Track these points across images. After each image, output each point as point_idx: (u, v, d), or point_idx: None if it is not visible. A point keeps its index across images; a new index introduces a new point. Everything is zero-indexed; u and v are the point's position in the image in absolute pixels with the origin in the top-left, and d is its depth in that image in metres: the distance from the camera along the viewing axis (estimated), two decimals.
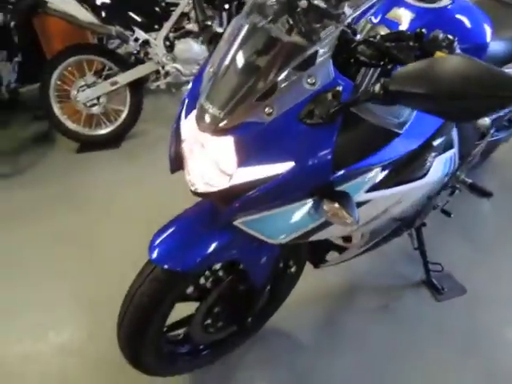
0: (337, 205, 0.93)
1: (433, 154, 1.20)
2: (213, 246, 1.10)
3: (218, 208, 1.06)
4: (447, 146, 1.36)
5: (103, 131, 3.01)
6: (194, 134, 0.98)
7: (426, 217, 1.63)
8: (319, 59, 0.87)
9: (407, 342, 1.58)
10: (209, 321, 1.33)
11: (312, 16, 0.90)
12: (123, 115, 2.96)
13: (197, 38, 2.85)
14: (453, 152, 1.39)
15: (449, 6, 1.18)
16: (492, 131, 1.73)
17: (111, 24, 2.74)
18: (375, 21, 1.20)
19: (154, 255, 1.09)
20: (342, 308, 1.73)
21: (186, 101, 1.07)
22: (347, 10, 1.07)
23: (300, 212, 0.99)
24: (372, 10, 1.23)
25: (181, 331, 1.40)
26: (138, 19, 2.76)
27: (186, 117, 1.04)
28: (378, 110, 0.96)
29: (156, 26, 2.79)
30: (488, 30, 1.21)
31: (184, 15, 2.83)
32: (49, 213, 2.36)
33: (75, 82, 2.86)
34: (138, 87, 2.90)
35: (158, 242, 1.12)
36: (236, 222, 1.01)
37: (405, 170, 1.13)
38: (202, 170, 0.99)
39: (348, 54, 0.98)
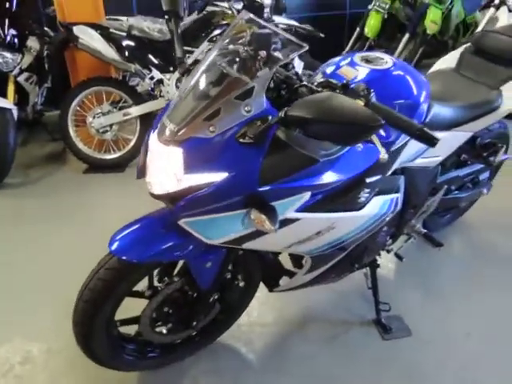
0: (262, 215, 1.10)
1: (366, 190, 1.36)
2: (166, 244, 1.27)
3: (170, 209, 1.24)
4: (390, 190, 1.53)
5: (111, 156, 3.27)
6: (155, 145, 1.19)
7: (375, 256, 1.76)
8: (255, 93, 1.08)
9: (348, 373, 1.66)
10: (157, 319, 1.47)
11: (252, 61, 1.12)
12: (131, 143, 3.23)
13: None
14: (396, 196, 1.55)
15: (392, 68, 1.40)
16: (444, 188, 1.88)
17: (132, 62, 3.07)
18: (328, 73, 1.42)
19: (113, 247, 1.27)
20: (293, 334, 1.83)
21: (158, 119, 1.29)
22: (297, 61, 1.30)
23: (235, 219, 1.16)
24: (327, 66, 1.46)
25: (133, 329, 1.54)
26: (156, 61, 3.09)
27: (153, 131, 1.25)
28: (306, 141, 1.15)
29: (171, 69, 3.11)
30: (423, 92, 1.41)
31: (197, 62, 3.15)
32: (50, 223, 2.59)
33: (93, 109, 3.17)
34: (148, 120, 3.18)
35: (118, 236, 1.29)
36: (181, 222, 1.18)
37: (337, 199, 1.30)
38: (158, 175, 1.18)
39: (290, 94, 1.20)
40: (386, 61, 1.43)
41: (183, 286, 1.45)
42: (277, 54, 1.21)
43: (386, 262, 2.10)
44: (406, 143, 1.45)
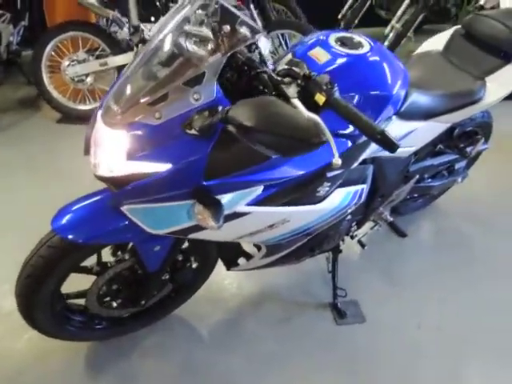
0: (205, 209, 1.04)
1: (327, 184, 1.31)
2: (112, 226, 1.21)
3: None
4: (355, 181, 1.48)
5: (86, 107, 3.14)
6: (99, 125, 1.10)
7: (337, 242, 1.74)
8: (205, 80, 0.98)
9: (294, 355, 1.68)
10: (105, 296, 1.44)
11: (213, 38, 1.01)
12: None
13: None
14: (361, 188, 1.50)
15: (367, 54, 1.30)
16: (416, 177, 1.83)
17: (111, 9, 2.87)
18: (298, 54, 1.31)
19: (56, 225, 1.21)
20: (248, 312, 1.83)
21: (106, 95, 1.19)
22: (264, 40, 1.19)
23: (179, 210, 1.11)
24: (299, 46, 1.36)
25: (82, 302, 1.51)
26: (135, 9, 2.90)
27: (100, 108, 1.16)
28: None
29: (152, 19, 2.92)
30: (398, 81, 1.32)
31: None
32: (17, 173, 2.50)
33: (68, 55, 2.99)
34: None
35: (63, 214, 1.23)
36: (123, 208, 1.12)
37: (293, 192, 1.24)
38: (101, 157, 1.10)
39: (250, 80, 1.11)
40: (363, 45, 1.32)
41: (133, 265, 1.42)
42: (243, 30, 1.11)
43: (351, 246, 2.08)
44: None
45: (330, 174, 1.29)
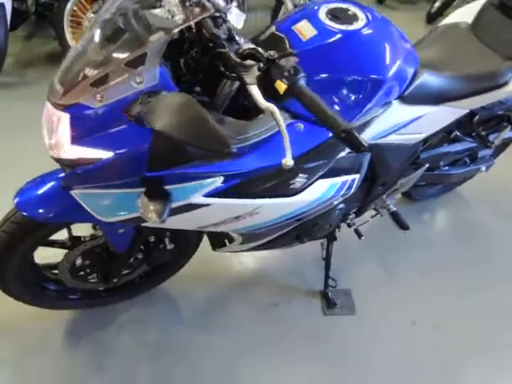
0: (149, 202, 0.97)
1: (303, 176, 1.19)
2: (68, 206, 1.16)
3: None
4: (345, 171, 1.34)
5: None
6: (46, 104, 1.03)
7: (327, 231, 1.62)
8: (147, 61, 0.88)
9: (275, 343, 1.63)
10: (77, 270, 1.43)
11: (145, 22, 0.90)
12: None
13: None
14: (352, 178, 1.37)
15: (361, 30, 1.13)
16: (425, 166, 1.66)
17: None
18: (282, 27, 1.17)
19: (17, 201, 1.18)
20: (235, 293, 1.79)
21: None
22: (235, 13, 1.06)
23: (129, 199, 1.04)
24: (285, 17, 1.20)
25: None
26: None
27: None
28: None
29: None
30: (397, 61, 1.15)
31: None
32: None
33: (88, 12, 2.93)
34: None
35: (25, 191, 1.20)
36: (73, 192, 1.07)
37: (261, 184, 1.14)
38: (49, 137, 1.04)
39: (212, 58, 0.99)
40: (359, 18, 1.15)
41: (105, 243, 1.38)
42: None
43: (352, 234, 1.96)
44: (372, 119, 1.24)
45: (306, 165, 1.17)
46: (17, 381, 1.49)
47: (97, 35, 0.96)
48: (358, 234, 1.74)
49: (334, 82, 1.10)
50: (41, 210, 1.17)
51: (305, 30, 1.13)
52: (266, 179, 1.13)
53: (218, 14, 1.00)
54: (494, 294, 1.82)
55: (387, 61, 1.15)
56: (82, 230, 1.40)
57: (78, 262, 1.40)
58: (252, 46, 0.97)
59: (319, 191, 1.28)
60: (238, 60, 0.94)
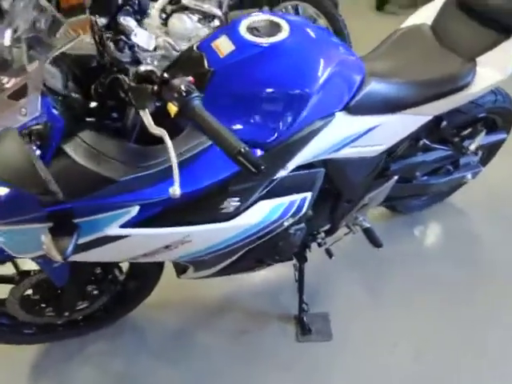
0: (52, 239, 0.92)
1: (235, 199, 1.11)
2: None
3: None
4: (292, 190, 1.26)
5: None
6: None
7: (291, 253, 1.54)
8: (29, 92, 0.84)
9: (244, 374, 1.54)
10: (28, 304, 1.39)
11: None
12: None
13: (192, 14, 2.81)
14: (302, 197, 1.28)
15: (281, 42, 1.06)
16: (394, 178, 1.55)
17: None
18: (202, 45, 1.11)
19: None
20: (203, 321, 1.70)
21: None
22: (143, 35, 1.02)
23: (36, 234, 0.98)
24: (211, 35, 1.15)
25: None
26: None
27: None
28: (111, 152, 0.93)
29: None
30: (324, 74, 1.07)
31: None
32: None
33: None
34: None
35: None
36: None
37: (185, 211, 1.07)
38: None
39: (111, 86, 0.95)
40: (282, 29, 1.08)
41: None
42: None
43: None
44: (310, 133, 1.15)
45: (235, 188, 1.10)
46: None
47: None
48: (329, 253, 1.63)
49: (253, 98, 1.04)
50: None
51: (223, 46, 1.07)
52: (191, 205, 1.07)
53: (118, 37, 0.96)
54: (482, 321, 1.67)
55: (312, 73, 1.07)
56: (31, 264, 1.37)
57: (26, 296, 1.37)
58: (150, 67, 0.92)
59: (260, 214, 1.20)
60: (132, 84, 0.89)
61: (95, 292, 1.43)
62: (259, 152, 1.08)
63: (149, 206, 1.01)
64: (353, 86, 1.20)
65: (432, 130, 1.52)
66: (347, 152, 1.31)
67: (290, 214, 1.27)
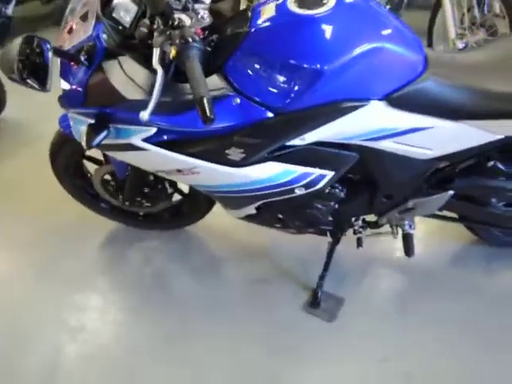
0: (84, 130, 1.21)
1: (238, 150, 1.22)
2: None
3: None
4: (309, 163, 1.30)
5: None
6: None
7: (315, 227, 1.59)
8: (89, 16, 1.10)
9: (239, 327, 1.66)
10: (103, 184, 1.78)
11: None
12: None
13: None
14: (321, 172, 1.32)
15: (315, 17, 1.09)
16: (449, 193, 1.41)
17: None
18: (255, 8, 1.20)
19: (59, 122, 1.56)
20: (232, 260, 1.89)
21: None
22: None
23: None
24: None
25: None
26: None
27: None
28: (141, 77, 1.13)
29: None
30: (343, 56, 1.06)
31: None
32: None
33: None
34: None
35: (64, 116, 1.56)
36: (68, 114, 1.38)
37: (196, 146, 1.24)
38: None
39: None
40: (327, 4, 1.10)
41: None
42: None
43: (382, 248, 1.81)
44: (330, 113, 1.16)
45: (240, 140, 1.21)
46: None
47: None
48: (359, 242, 1.61)
49: (271, 63, 1.11)
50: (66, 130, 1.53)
51: (267, 11, 1.15)
52: (202, 142, 1.23)
53: None
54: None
55: (336, 51, 1.08)
56: None
57: (105, 179, 1.76)
58: (184, 17, 1.08)
59: (268, 172, 1.29)
60: (161, 26, 1.07)
61: (150, 195, 1.74)
62: (269, 114, 1.16)
63: (166, 131, 1.22)
64: (398, 78, 1.16)
65: (507, 152, 1.32)
66: (388, 145, 1.27)
67: (301, 184, 1.33)
